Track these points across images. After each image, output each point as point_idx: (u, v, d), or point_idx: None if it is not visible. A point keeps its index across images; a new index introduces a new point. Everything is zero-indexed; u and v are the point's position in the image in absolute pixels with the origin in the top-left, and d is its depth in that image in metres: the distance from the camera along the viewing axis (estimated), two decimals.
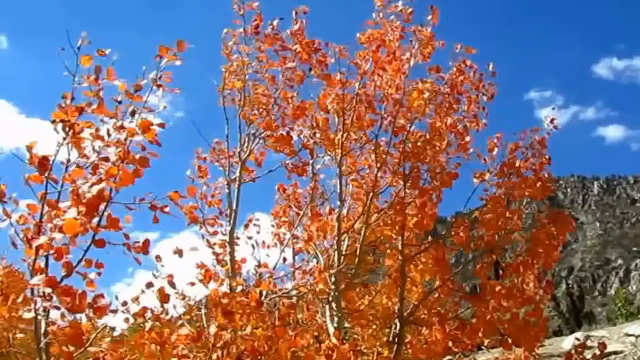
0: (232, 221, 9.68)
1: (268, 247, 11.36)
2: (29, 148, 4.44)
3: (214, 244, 10.10)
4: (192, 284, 8.81)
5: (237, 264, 9.29)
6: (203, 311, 8.36)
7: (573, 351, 8.58)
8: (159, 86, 4.81)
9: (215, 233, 10.22)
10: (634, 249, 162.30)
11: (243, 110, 10.02)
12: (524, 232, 9.29)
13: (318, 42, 9.88)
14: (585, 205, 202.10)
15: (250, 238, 10.88)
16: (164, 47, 4.93)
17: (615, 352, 19.50)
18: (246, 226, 11.02)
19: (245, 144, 10.08)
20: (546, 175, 8.95)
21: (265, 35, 9.90)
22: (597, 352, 8.97)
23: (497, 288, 8.69)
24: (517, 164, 8.93)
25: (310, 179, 10.76)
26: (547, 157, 8.94)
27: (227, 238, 9.69)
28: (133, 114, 4.62)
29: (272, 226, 11.70)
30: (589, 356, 8.93)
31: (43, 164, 4.43)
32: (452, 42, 9.79)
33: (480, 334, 8.63)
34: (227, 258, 9.51)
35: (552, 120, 9.29)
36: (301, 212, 10.70)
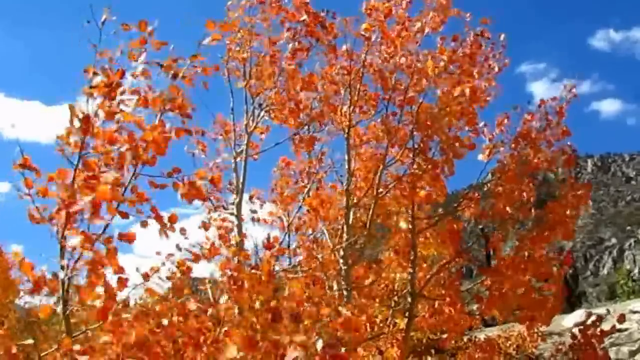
0: (238, 194, 9.53)
1: (272, 223, 11.23)
2: (71, 108, 4.30)
3: (219, 217, 9.97)
4: (198, 257, 8.64)
5: (244, 237, 9.19)
6: (209, 286, 8.19)
7: (590, 324, 8.41)
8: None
9: (219, 207, 10.09)
10: (628, 228, 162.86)
11: (248, 82, 9.79)
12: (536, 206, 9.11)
13: (324, 13, 9.63)
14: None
15: (254, 212, 10.78)
16: (211, 22, 5.03)
17: (620, 330, 19.55)
18: (251, 197, 10.88)
19: (252, 117, 9.90)
20: (568, 149, 8.75)
21: (269, 4, 9.64)
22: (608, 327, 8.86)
23: (507, 261, 8.53)
24: (532, 135, 8.70)
25: (317, 153, 10.61)
26: (566, 127, 8.72)
27: (233, 211, 9.54)
28: (175, 76, 4.63)
29: (274, 202, 11.50)
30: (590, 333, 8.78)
31: (86, 123, 4.29)
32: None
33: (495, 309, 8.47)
34: (235, 232, 9.38)
35: (571, 89, 9.00)
36: (307, 187, 10.53)
